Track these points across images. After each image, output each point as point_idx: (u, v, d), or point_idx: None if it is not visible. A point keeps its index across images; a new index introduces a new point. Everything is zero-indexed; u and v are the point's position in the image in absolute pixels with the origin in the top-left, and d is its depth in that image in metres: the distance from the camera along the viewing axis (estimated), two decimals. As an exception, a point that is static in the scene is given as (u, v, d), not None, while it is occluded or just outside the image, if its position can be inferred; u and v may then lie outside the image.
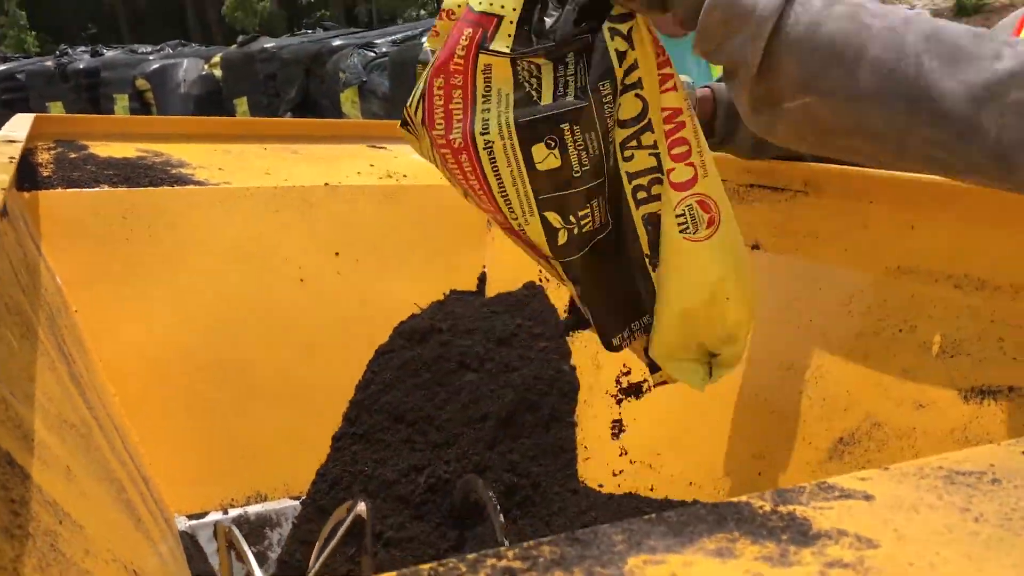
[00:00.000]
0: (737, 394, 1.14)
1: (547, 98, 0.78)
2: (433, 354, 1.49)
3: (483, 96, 0.79)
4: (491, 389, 1.42)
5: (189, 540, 1.37)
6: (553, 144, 0.78)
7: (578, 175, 0.80)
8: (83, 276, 1.43)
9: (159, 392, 1.44)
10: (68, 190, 1.48)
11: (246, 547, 1.20)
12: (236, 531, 1.28)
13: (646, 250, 0.84)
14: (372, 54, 4.49)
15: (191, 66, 7.43)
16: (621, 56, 0.78)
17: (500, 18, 0.78)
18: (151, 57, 8.21)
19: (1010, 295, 0.86)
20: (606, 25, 0.78)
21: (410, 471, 1.36)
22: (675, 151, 0.79)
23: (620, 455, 1.30)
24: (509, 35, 0.78)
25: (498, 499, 1.34)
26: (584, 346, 1.45)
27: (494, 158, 0.80)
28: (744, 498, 0.43)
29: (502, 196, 0.81)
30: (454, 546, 1.31)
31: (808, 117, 0.71)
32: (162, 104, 7.09)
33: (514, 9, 0.78)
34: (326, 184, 1.69)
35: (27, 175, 1.49)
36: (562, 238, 0.82)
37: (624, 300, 0.87)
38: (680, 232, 0.81)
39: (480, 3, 0.79)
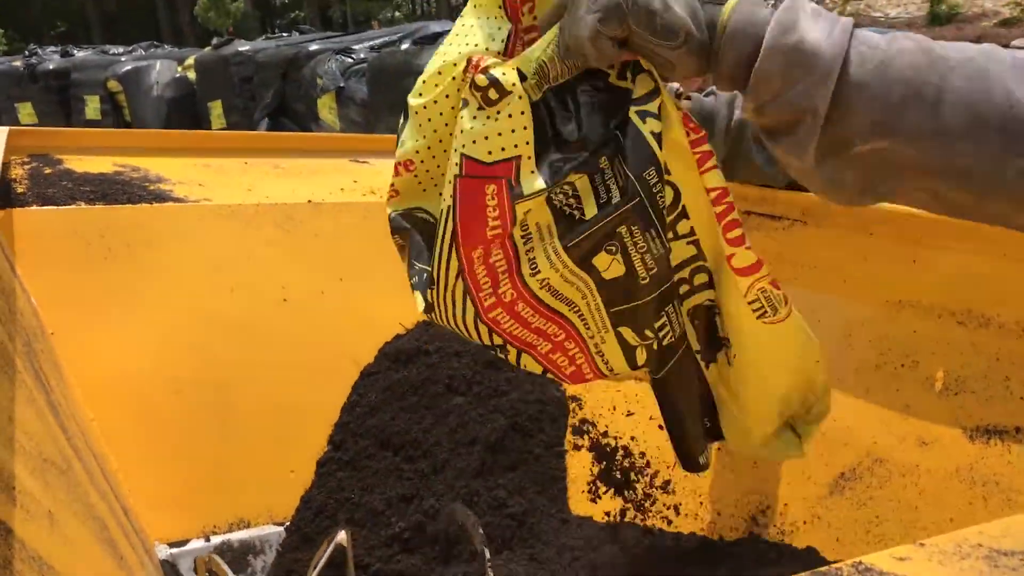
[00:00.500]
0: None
1: (591, 211, 0.72)
2: (420, 376, 1.46)
3: (523, 239, 0.73)
4: (480, 413, 1.40)
5: (170, 569, 1.33)
6: (614, 250, 0.72)
7: (645, 281, 0.73)
8: (59, 297, 1.38)
9: (138, 416, 1.40)
10: (43, 208, 1.44)
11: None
12: (218, 559, 1.25)
13: (696, 346, 0.77)
14: (350, 60, 4.46)
15: (164, 68, 7.33)
16: (658, 138, 0.71)
17: (518, 158, 0.72)
18: (123, 58, 8.09)
19: (1016, 333, 0.85)
20: (633, 109, 0.71)
21: (398, 501, 1.33)
22: (730, 235, 0.73)
23: (614, 485, 1.28)
24: (532, 171, 0.72)
25: (486, 528, 1.32)
26: (575, 370, 1.43)
27: (555, 291, 0.74)
28: (782, 582, 0.41)
29: (575, 313, 0.75)
30: (442, 577, 1.28)
31: (884, 162, 0.67)
32: (134, 106, 6.99)
33: (527, 143, 0.72)
34: (309, 201, 1.66)
35: (0, 192, 1.44)
36: (640, 357, 0.76)
37: (697, 410, 0.80)
38: (759, 318, 0.74)
39: (491, 153, 0.72)
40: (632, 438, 1.30)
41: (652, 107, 0.71)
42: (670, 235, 0.74)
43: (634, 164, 0.71)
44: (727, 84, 0.71)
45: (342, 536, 1.23)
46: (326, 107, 4.22)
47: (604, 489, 1.29)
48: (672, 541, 1.15)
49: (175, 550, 1.36)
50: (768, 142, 0.72)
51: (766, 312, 0.74)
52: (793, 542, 1.00)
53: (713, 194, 0.72)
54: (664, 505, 1.20)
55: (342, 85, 4.01)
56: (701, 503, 1.12)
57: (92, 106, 7.67)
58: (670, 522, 1.19)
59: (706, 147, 0.72)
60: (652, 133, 0.71)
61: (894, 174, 0.68)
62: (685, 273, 0.75)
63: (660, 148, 0.71)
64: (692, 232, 0.74)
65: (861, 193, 0.71)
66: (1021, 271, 0.86)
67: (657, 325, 0.75)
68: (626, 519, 1.23)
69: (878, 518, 0.92)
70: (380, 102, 3.73)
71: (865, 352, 0.99)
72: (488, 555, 1.19)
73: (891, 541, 0.90)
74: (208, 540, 1.39)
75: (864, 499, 0.94)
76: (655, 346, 0.76)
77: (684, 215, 0.74)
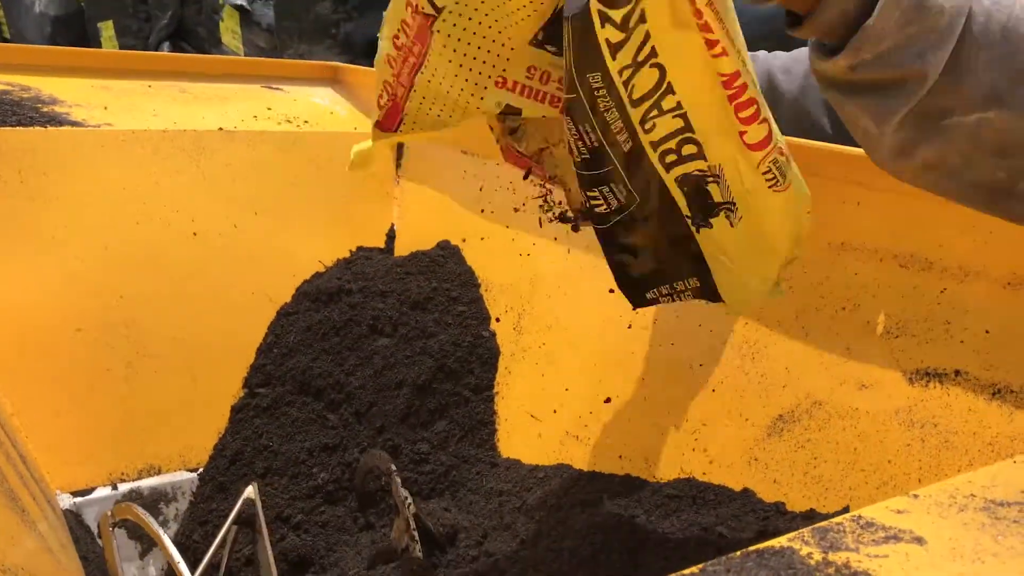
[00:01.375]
0: (669, 367, 1.12)
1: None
2: (342, 317, 1.40)
3: None
4: (406, 355, 1.35)
5: (74, 519, 1.25)
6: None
7: (578, 161, 0.79)
8: (-58, 228, 1.26)
9: (34, 357, 1.30)
10: (-79, 128, 1.30)
11: (155, 525, 1.10)
12: (137, 508, 1.17)
13: (687, 211, 0.81)
14: (255, -19, 4.19)
15: (48, -17, 6.80)
16: (615, 48, 0.71)
17: None
18: (0, -30, 7.47)
19: (958, 277, 0.86)
20: (595, 7, 0.70)
21: (320, 451, 1.28)
22: (743, 114, 0.74)
23: (543, 426, 1.26)
24: None
25: (411, 475, 1.29)
26: (505, 311, 1.39)
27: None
28: (784, 541, 0.39)
29: None
30: (366, 527, 1.25)
31: (979, 139, 0.60)
32: (14, 23, 6.49)
33: None
34: (220, 128, 1.56)
35: None
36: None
37: (658, 262, 0.85)
38: (770, 188, 0.78)
39: None
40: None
41: (617, 15, 0.70)
42: (654, 112, 0.75)
43: (579, 64, 0.74)
44: (817, 32, 0.65)
45: (250, 491, 1.18)
46: (229, 31, 3.99)
47: (536, 432, 1.28)
48: (603, 483, 1.14)
49: (79, 499, 1.28)
50: (843, 96, 0.67)
51: (777, 181, 0.78)
52: (728, 484, 1.00)
53: (723, 78, 0.73)
54: (594, 444, 1.19)
55: (247, 6, 3.79)
56: (635, 443, 1.12)
57: (-34, 22, 7.08)
58: (600, 463, 1.18)
59: (714, 35, 0.71)
60: (608, 41, 0.71)
61: (988, 153, 0.62)
62: (672, 144, 0.77)
63: (613, 58, 0.72)
64: (679, 106, 0.75)
65: (925, 169, 0.67)
66: (964, 215, 0.86)
67: (590, 195, 0.82)
68: (557, 461, 1.22)
69: (816, 459, 0.92)
70: (288, 27, 3.55)
71: (806, 295, 0.98)
72: (410, 500, 1.16)
73: (829, 483, 0.91)
74: (115, 488, 1.31)
75: (802, 441, 0.94)
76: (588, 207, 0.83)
77: (670, 91, 0.75)
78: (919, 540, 0.38)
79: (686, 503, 1.00)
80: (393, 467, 1.20)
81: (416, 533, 1.13)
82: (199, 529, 1.27)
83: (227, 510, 1.28)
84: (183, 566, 1.04)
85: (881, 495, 0.87)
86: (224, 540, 1.17)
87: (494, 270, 1.44)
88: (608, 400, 1.16)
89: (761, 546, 0.37)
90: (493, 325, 1.40)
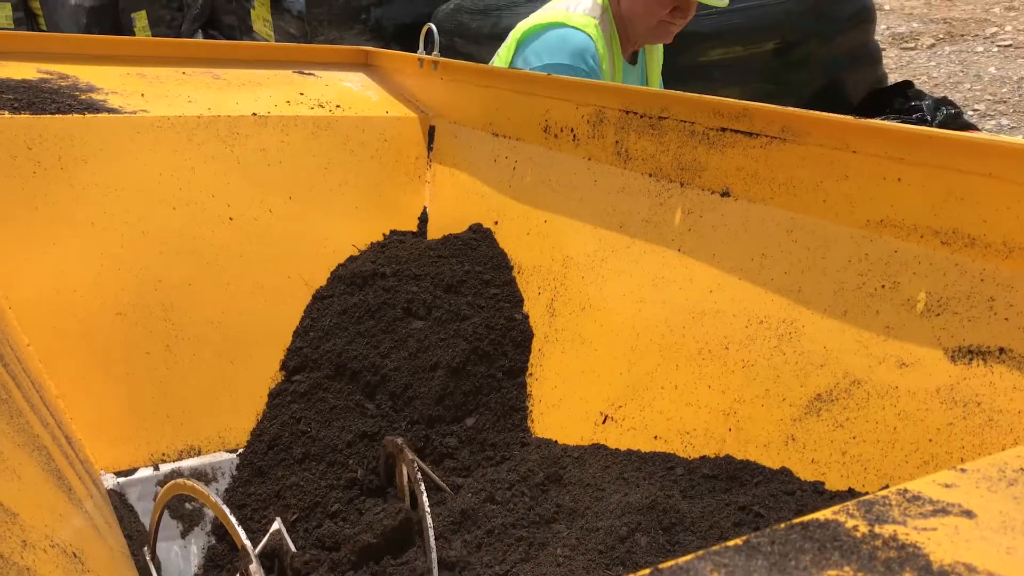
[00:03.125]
0: (704, 347, 1.11)
1: None
2: (377, 300, 1.41)
3: None
4: (440, 338, 1.36)
5: (118, 499, 1.28)
6: None
7: None
8: (-15, 215, 1.29)
9: (77, 340, 1.32)
10: (-37, 117, 1.32)
11: (221, 504, 1.10)
12: (192, 481, 1.18)
13: None
14: (284, -32, 4.20)
15: (82, -26, 6.87)
16: None
17: None
18: (35, -37, 7.55)
19: (1003, 253, 0.84)
20: None
21: (358, 440, 1.29)
22: None
23: (579, 407, 1.26)
24: None
25: (445, 453, 1.29)
26: (538, 293, 1.39)
27: None
28: (828, 514, 0.39)
29: None
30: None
31: None
32: (50, 15, 6.57)
33: None
34: (254, 114, 1.57)
35: (-86, 99, 1.32)
36: None
37: None
38: None
39: None
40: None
41: None
42: None
43: None
44: None
45: (277, 526, 1.19)
46: (260, 19, 4.01)
47: (570, 412, 1.28)
48: (638, 462, 1.13)
49: (123, 479, 1.30)
50: None
51: None
52: (766, 463, 0.99)
53: None
54: (628, 425, 1.19)
55: (277, -5, 3.81)
56: (670, 423, 1.11)
57: (4, 13, 7.18)
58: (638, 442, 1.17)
59: None
60: None
61: None
62: None
63: None
64: None
65: None
66: (1008, 190, 0.85)
67: None
68: (591, 441, 1.22)
69: (855, 439, 0.91)
70: (319, 14, 3.56)
71: (844, 273, 0.97)
72: (417, 461, 1.17)
73: (868, 462, 0.90)
74: (157, 469, 1.34)
75: (841, 420, 0.93)
76: None
77: None
78: (968, 513, 0.38)
79: (722, 483, 1.00)
80: (400, 440, 1.21)
81: (422, 485, 1.14)
82: (237, 512, 1.29)
83: (265, 495, 1.29)
84: (247, 541, 1.06)
85: (922, 474, 0.85)
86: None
87: (526, 252, 1.44)
88: (641, 381, 1.16)
89: (805, 519, 0.37)
90: (526, 307, 1.40)
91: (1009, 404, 0.81)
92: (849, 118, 0.97)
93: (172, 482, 1.18)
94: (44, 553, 0.70)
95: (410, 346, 1.36)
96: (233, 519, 1.06)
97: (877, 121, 0.94)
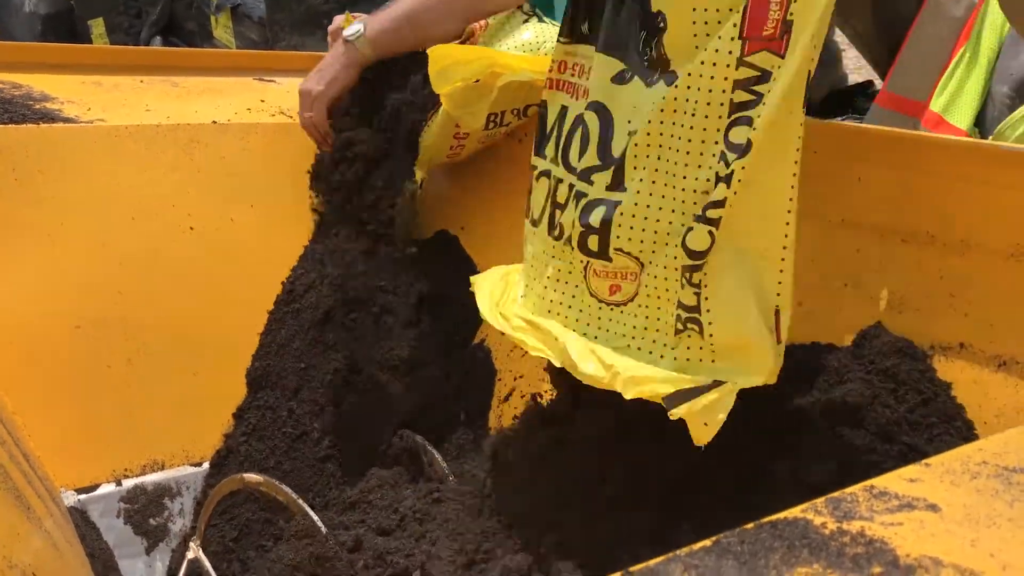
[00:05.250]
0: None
1: None
2: (343, 309, 1.40)
3: None
4: (410, 345, 1.35)
5: (79, 516, 1.25)
6: None
7: None
8: (-64, 228, 1.26)
9: (34, 356, 1.29)
10: (-88, 128, 1.29)
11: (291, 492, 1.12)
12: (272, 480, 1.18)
13: None
14: (244, -26, 4.16)
15: (36, -18, 6.77)
16: None
17: None
18: (-12, -29, 7.42)
19: (960, 251, 0.85)
20: None
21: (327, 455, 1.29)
22: None
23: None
24: None
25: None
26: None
27: None
28: (797, 512, 0.39)
29: None
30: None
31: None
32: (4, 23, 6.45)
33: None
34: (214, 122, 1.55)
35: None
36: None
37: None
38: None
39: None
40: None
41: None
42: None
43: None
44: None
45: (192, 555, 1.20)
46: (221, 26, 3.97)
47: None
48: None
49: (84, 496, 1.28)
50: None
51: None
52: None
53: None
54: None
55: (239, 1, 3.77)
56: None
57: (-45, 23, 7.04)
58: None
59: None
60: None
61: None
62: None
63: None
64: None
65: None
66: (964, 188, 0.86)
67: None
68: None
69: (822, 437, 0.92)
70: (280, 19, 3.53)
71: (807, 272, 0.98)
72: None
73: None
74: (120, 484, 1.31)
75: (807, 419, 0.94)
76: None
77: None
78: (933, 507, 0.38)
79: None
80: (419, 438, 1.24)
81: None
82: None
83: (235, 506, 1.28)
84: (321, 524, 1.08)
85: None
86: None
87: (493, 258, 1.43)
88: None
89: (774, 517, 0.37)
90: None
91: (970, 398, 0.83)
92: (810, 119, 0.98)
93: (232, 477, 1.19)
94: (1, 574, 0.68)
95: (378, 353, 1.35)
96: (308, 508, 1.09)
97: (837, 122, 0.95)
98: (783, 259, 0.79)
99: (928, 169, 0.87)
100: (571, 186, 0.91)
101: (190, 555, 1.19)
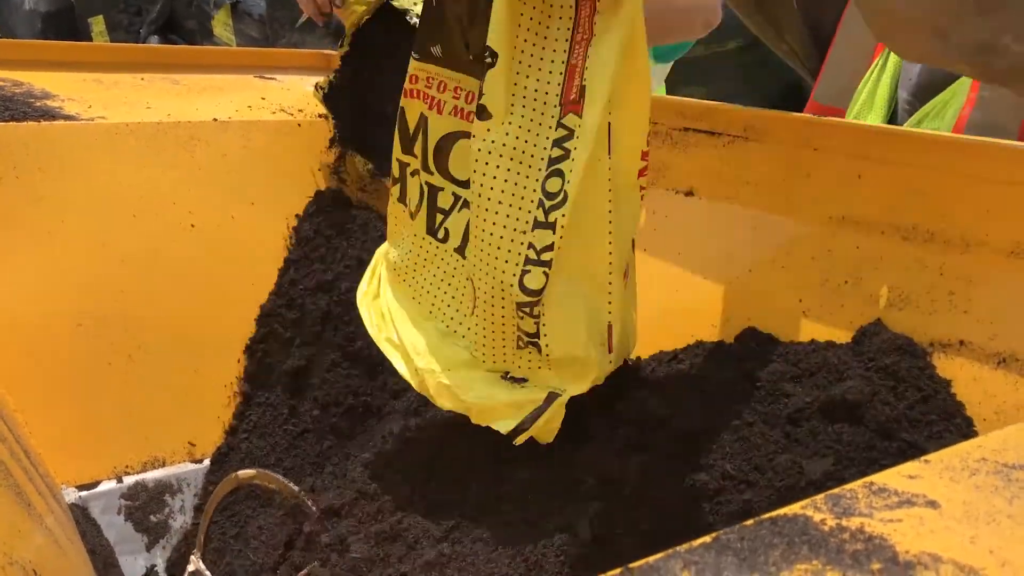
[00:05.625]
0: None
1: None
2: (340, 307, 1.40)
3: None
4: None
5: (80, 513, 1.25)
6: None
7: None
8: (-62, 226, 1.26)
9: (35, 354, 1.29)
10: (-87, 125, 1.29)
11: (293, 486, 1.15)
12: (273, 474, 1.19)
13: None
14: (244, -28, 4.16)
15: (36, -20, 6.76)
16: None
17: None
18: (-12, -32, 7.42)
19: (960, 248, 0.85)
20: None
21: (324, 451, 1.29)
22: None
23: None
24: None
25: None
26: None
27: None
28: (797, 509, 0.39)
29: None
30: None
31: None
32: (4, 21, 6.46)
33: None
34: (215, 119, 1.55)
35: None
36: None
37: None
38: None
39: None
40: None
41: None
42: None
43: None
44: None
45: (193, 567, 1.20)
46: (220, 23, 3.97)
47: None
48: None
49: (85, 493, 1.28)
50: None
51: None
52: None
53: None
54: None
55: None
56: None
57: (-44, 21, 7.04)
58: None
59: None
60: None
61: (972, 12, 0.64)
62: None
63: None
64: None
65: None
66: (964, 185, 0.86)
67: None
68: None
69: (821, 434, 0.92)
70: (280, 17, 3.53)
71: (807, 270, 0.98)
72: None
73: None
74: (120, 481, 1.31)
75: (807, 416, 0.94)
76: None
77: None
78: (932, 504, 0.38)
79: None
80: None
81: None
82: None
83: (236, 503, 1.28)
84: (311, 504, 1.10)
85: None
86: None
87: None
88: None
89: (774, 514, 0.37)
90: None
91: (970, 395, 0.83)
92: (810, 116, 0.99)
93: (227, 478, 1.18)
94: (2, 571, 0.68)
95: (374, 355, 1.35)
96: (295, 487, 1.11)
97: (837, 119, 0.95)
98: (610, 281, 0.87)
99: (929, 166, 0.87)
100: (455, 195, 0.96)
101: (191, 568, 1.20)
